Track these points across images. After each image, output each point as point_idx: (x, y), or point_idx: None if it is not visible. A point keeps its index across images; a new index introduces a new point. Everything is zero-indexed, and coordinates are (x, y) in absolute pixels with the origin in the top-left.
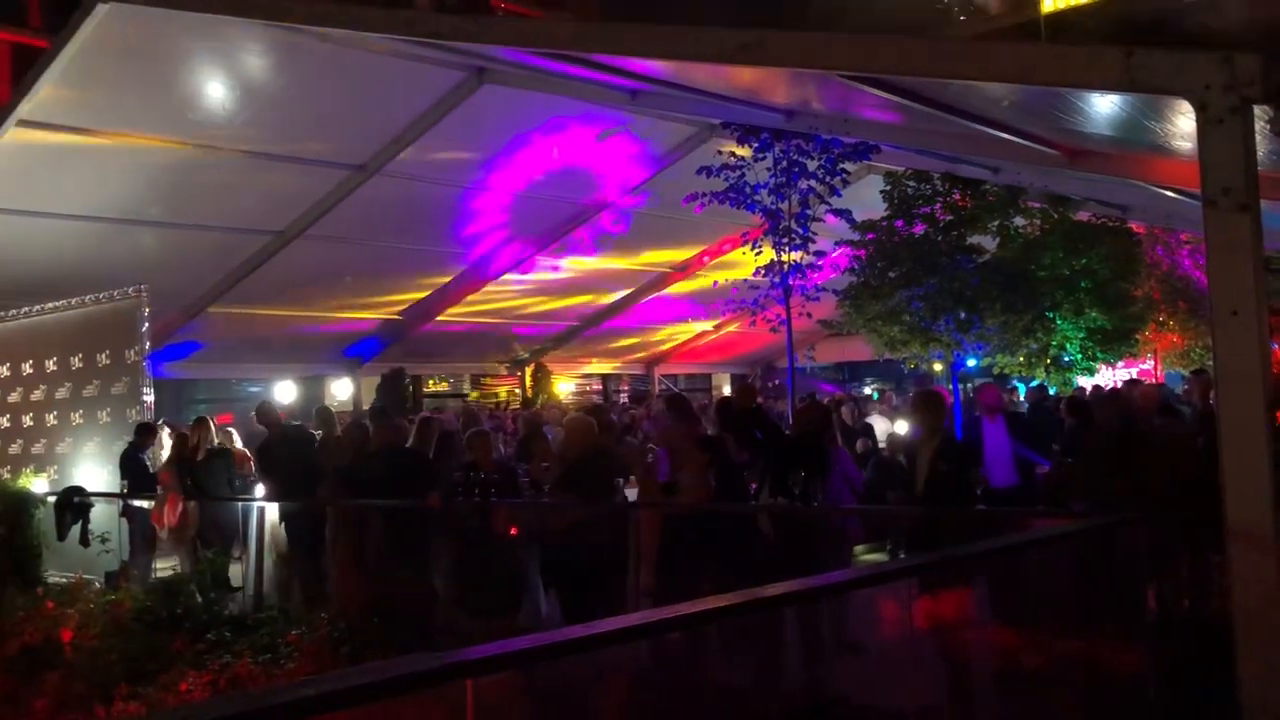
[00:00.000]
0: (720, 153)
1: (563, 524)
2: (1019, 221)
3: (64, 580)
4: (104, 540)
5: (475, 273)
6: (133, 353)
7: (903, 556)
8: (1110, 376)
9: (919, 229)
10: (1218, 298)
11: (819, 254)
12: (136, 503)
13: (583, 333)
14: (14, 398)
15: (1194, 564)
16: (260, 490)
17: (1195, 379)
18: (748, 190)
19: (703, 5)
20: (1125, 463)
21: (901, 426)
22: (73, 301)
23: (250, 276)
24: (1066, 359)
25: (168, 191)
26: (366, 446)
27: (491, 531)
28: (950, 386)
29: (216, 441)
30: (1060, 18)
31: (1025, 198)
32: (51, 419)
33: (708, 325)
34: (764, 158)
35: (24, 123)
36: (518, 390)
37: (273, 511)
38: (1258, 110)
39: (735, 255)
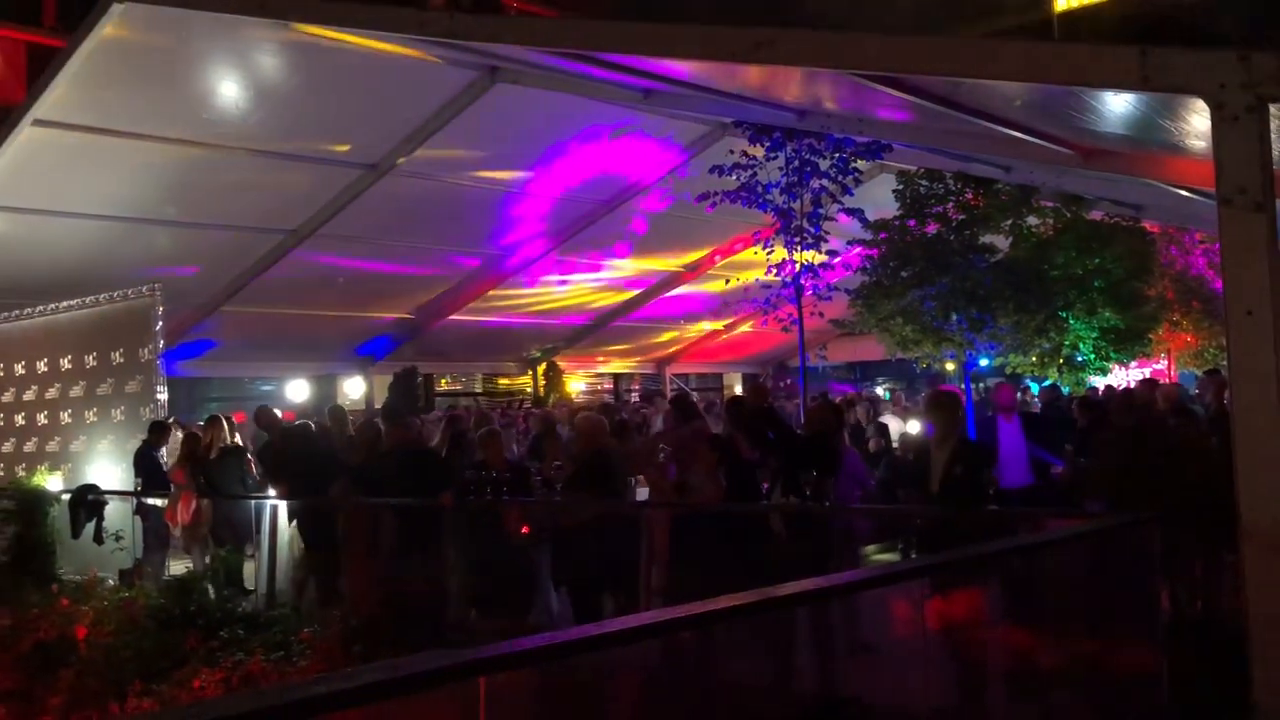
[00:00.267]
0: (732, 152)
1: (574, 523)
2: (1032, 221)
3: (78, 578)
4: (118, 538)
5: (487, 272)
6: (146, 351)
7: (915, 557)
8: (1124, 376)
9: (931, 228)
10: (1232, 297)
11: (831, 253)
12: (150, 500)
13: (594, 332)
14: (29, 396)
15: (1207, 564)
16: (272, 490)
17: (1209, 379)
18: (760, 189)
19: (714, 3)
20: (1139, 463)
21: (914, 426)
22: (87, 300)
23: (263, 275)
24: (1079, 359)
25: (181, 190)
26: (379, 445)
27: (503, 530)
28: (963, 386)
29: (229, 440)
30: (1074, 16)
31: (1038, 197)
32: (66, 417)
33: (719, 325)
34: (776, 157)
35: (39, 122)
36: (529, 389)
37: (285, 510)
38: (1274, 109)
39: (747, 255)
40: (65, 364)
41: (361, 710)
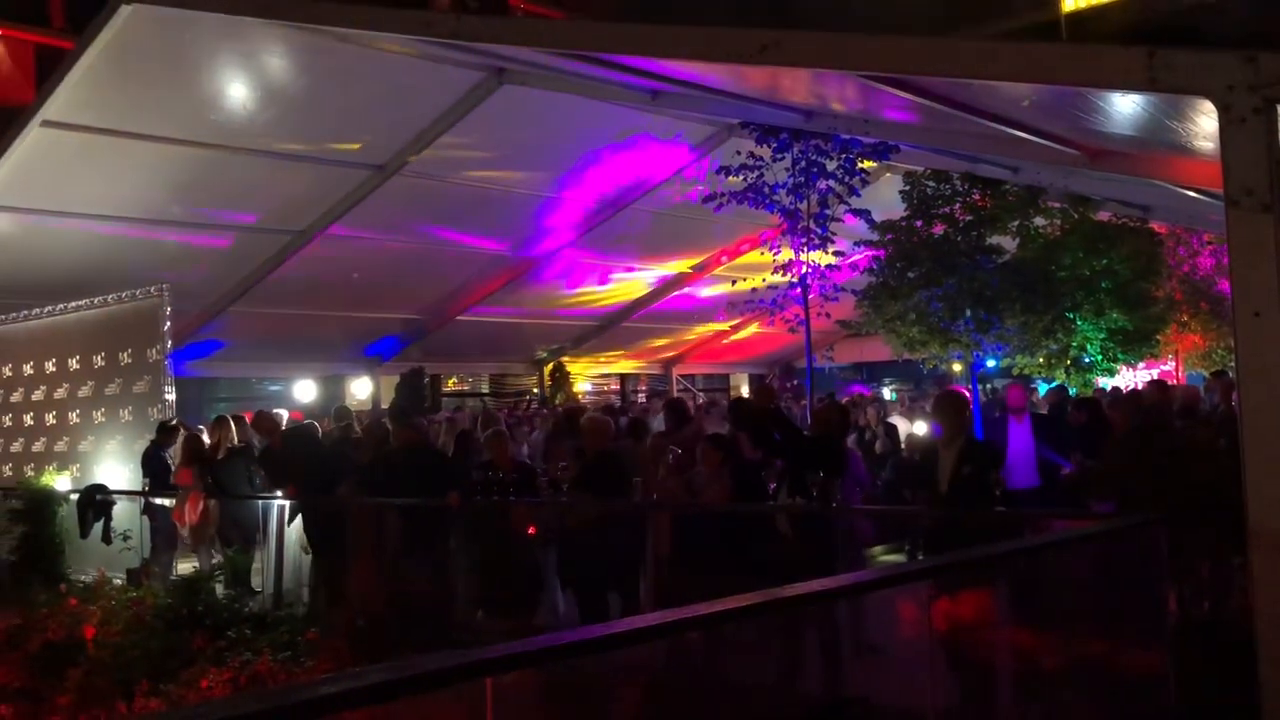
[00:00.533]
0: (739, 153)
1: (580, 523)
2: (1039, 221)
3: (86, 577)
4: (126, 538)
5: (494, 272)
6: (154, 351)
7: (921, 558)
8: (1131, 378)
9: (938, 229)
10: (1240, 299)
11: (838, 254)
12: (158, 501)
13: (601, 332)
14: (37, 396)
15: (1215, 565)
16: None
17: (1216, 380)
18: (766, 190)
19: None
20: (1145, 464)
21: (920, 427)
22: (95, 300)
23: (271, 276)
24: (1087, 360)
25: (189, 191)
26: (386, 445)
27: (509, 530)
28: (970, 387)
29: (236, 440)
30: (1081, 16)
31: (1045, 198)
32: (74, 417)
33: (726, 325)
34: (783, 158)
35: (48, 123)
36: (536, 389)
37: (292, 510)
38: None
39: (753, 256)
40: (73, 364)
41: (368, 710)
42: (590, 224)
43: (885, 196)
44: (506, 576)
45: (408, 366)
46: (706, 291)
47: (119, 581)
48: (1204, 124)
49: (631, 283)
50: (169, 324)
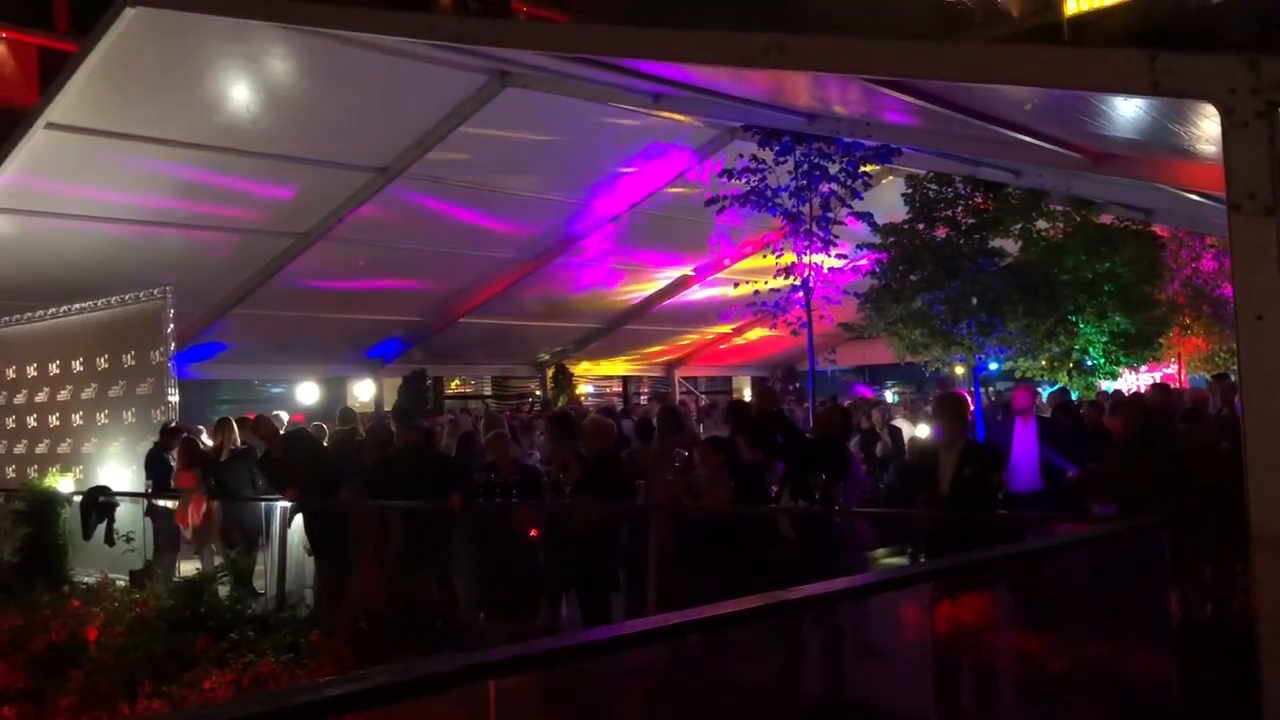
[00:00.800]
0: (742, 155)
1: (582, 525)
2: (1041, 225)
3: (89, 579)
4: (129, 539)
5: (497, 275)
6: (158, 353)
7: (923, 560)
8: (1133, 381)
9: (940, 232)
10: (1242, 302)
11: (841, 257)
12: (161, 502)
13: (604, 335)
14: (41, 398)
15: (1217, 568)
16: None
17: (1218, 383)
18: (769, 193)
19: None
20: (1147, 467)
21: (923, 430)
22: (98, 303)
23: (274, 278)
24: (1089, 363)
25: (193, 193)
26: (390, 447)
27: (512, 533)
28: (972, 390)
29: (239, 442)
30: (1083, 20)
31: (1048, 201)
32: (77, 419)
33: (728, 328)
34: (785, 161)
35: (52, 125)
36: (539, 392)
37: (294, 512)
38: None
39: (755, 259)
40: (77, 366)
41: (372, 713)
42: (593, 227)
43: (887, 199)
44: (509, 579)
45: (410, 369)
46: (709, 294)
47: (122, 583)
48: (1206, 128)
49: (634, 286)
50: (172, 326)
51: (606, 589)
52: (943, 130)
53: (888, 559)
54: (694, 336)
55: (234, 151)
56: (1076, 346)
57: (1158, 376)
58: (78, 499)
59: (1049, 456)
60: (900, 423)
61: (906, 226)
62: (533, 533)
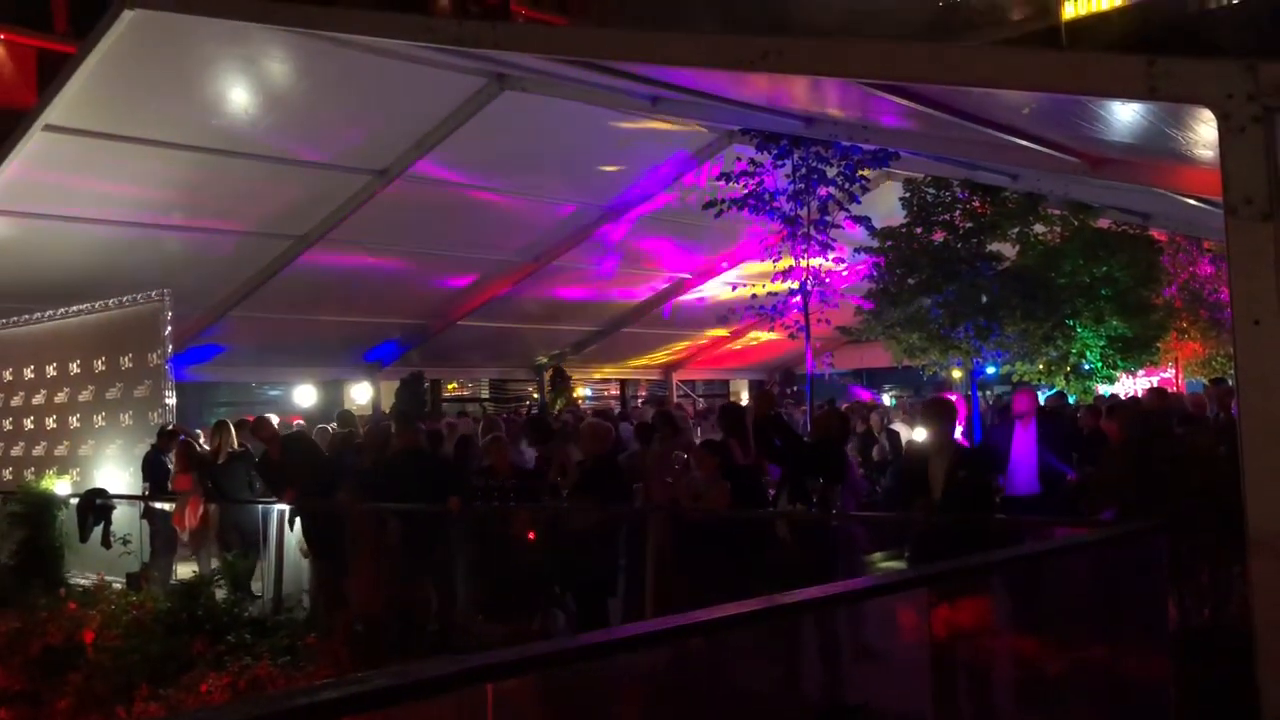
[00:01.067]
0: (740, 159)
1: (580, 528)
2: (1039, 229)
3: (86, 582)
4: (125, 542)
5: (495, 277)
6: (155, 356)
7: (918, 564)
8: (1131, 385)
9: (938, 236)
10: (1239, 306)
11: (839, 260)
12: (158, 505)
13: (602, 338)
14: (38, 400)
15: (1215, 572)
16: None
17: (1215, 388)
18: (766, 196)
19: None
20: (1145, 471)
21: (920, 434)
22: (96, 305)
23: (272, 280)
24: (1086, 367)
25: (190, 195)
26: (387, 450)
27: (509, 536)
28: (969, 394)
29: (236, 444)
30: (1080, 25)
31: (1045, 205)
32: (75, 421)
33: (726, 331)
34: (783, 164)
35: (50, 127)
36: (536, 395)
37: (292, 514)
38: None
39: (753, 265)
40: (74, 368)
41: (369, 716)
42: (590, 230)
43: (885, 203)
44: (506, 581)
45: (408, 371)
46: (707, 297)
47: (118, 586)
48: (1203, 132)
49: (632, 289)
50: (170, 328)
51: (604, 592)
52: (940, 134)
53: (885, 563)
54: (691, 340)
55: (232, 154)
56: (1074, 350)
57: (1155, 381)
58: (75, 501)
59: (1048, 460)
60: (899, 426)
61: (904, 230)
62: (530, 535)
